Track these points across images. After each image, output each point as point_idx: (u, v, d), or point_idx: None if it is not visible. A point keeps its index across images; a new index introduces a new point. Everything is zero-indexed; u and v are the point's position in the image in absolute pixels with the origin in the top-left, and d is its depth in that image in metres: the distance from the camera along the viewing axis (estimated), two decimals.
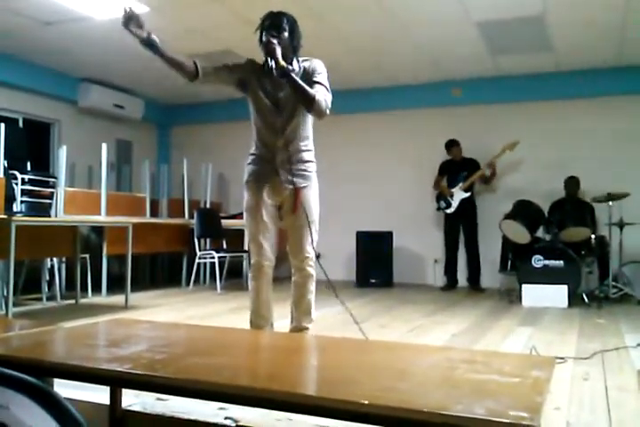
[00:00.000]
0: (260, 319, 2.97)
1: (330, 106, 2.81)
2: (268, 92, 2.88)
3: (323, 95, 2.78)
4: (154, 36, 2.62)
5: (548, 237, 5.66)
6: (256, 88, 2.90)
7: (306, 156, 2.95)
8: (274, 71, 2.68)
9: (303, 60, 2.93)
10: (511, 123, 6.80)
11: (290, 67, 2.73)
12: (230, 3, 4.80)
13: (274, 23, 2.80)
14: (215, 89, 7.50)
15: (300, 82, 2.73)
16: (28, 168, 5.95)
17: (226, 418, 1.91)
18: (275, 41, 2.71)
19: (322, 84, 2.83)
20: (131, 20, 2.55)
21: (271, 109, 2.88)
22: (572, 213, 5.58)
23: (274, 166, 2.90)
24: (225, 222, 6.82)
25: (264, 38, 2.77)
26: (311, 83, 2.81)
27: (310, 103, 2.75)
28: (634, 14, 4.90)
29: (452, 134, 6.68)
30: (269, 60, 2.68)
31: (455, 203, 6.43)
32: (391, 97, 7.31)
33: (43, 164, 6.95)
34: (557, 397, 2.30)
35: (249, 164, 3.00)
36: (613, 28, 5.25)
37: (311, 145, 3.01)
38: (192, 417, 1.91)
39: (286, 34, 2.80)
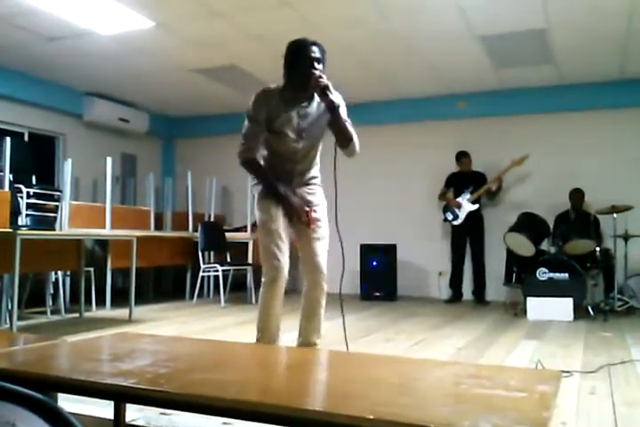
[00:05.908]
0: (267, 337, 2.87)
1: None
2: (293, 123, 2.81)
3: (356, 136, 2.81)
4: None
5: (552, 250, 5.64)
6: (283, 121, 2.81)
7: (313, 172, 2.99)
8: (328, 108, 2.71)
9: None
10: (515, 135, 6.81)
11: (337, 103, 2.72)
12: (235, 18, 4.85)
13: (318, 56, 2.74)
14: (219, 103, 7.59)
15: (346, 120, 2.76)
16: (34, 182, 5.98)
17: None
18: (324, 76, 2.70)
19: (350, 123, 2.82)
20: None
21: (293, 139, 2.83)
22: (576, 225, 5.57)
23: (290, 187, 2.88)
24: (229, 235, 6.81)
25: (314, 72, 2.70)
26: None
27: (348, 143, 2.79)
28: (637, 28, 4.93)
29: (456, 147, 6.70)
30: (323, 95, 2.68)
31: (463, 215, 6.41)
32: (395, 110, 7.33)
33: (48, 177, 6.99)
34: (564, 411, 2.28)
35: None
36: (616, 42, 5.28)
37: (318, 160, 3.03)
38: None
39: (321, 66, 2.77)
